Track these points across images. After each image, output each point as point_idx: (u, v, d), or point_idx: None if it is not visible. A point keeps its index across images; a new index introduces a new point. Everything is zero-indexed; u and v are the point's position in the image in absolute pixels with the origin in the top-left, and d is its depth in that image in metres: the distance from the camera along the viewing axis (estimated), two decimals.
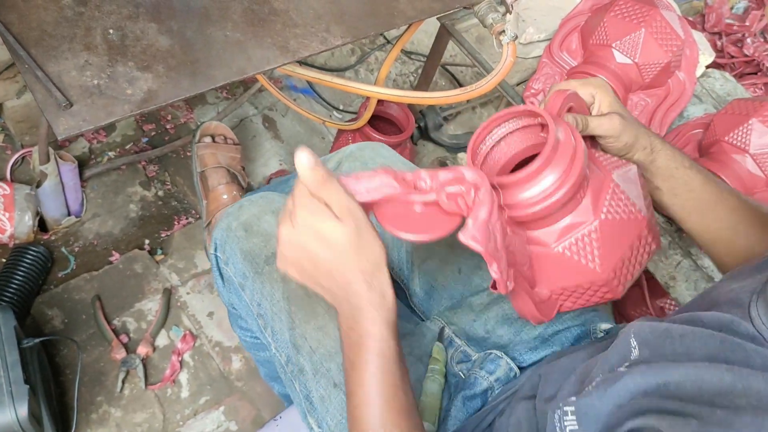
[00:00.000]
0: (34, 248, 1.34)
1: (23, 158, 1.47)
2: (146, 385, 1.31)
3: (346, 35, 0.99)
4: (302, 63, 1.58)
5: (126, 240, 1.49)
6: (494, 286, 0.67)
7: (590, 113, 0.81)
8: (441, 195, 0.61)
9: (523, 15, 1.47)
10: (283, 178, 1.55)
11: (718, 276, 1.17)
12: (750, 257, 0.77)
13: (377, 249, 0.61)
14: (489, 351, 0.86)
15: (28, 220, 1.37)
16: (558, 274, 0.72)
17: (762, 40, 1.96)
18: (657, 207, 0.84)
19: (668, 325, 0.60)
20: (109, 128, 1.64)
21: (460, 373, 0.87)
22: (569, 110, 0.76)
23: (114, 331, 1.35)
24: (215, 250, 0.97)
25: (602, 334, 0.88)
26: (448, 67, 2.03)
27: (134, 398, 1.30)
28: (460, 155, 1.56)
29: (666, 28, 1.22)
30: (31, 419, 0.99)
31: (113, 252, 1.46)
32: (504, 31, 1.12)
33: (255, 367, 1.38)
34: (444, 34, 1.44)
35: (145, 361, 1.33)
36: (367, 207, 0.63)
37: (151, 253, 1.48)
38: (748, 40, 1.95)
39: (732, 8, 2.01)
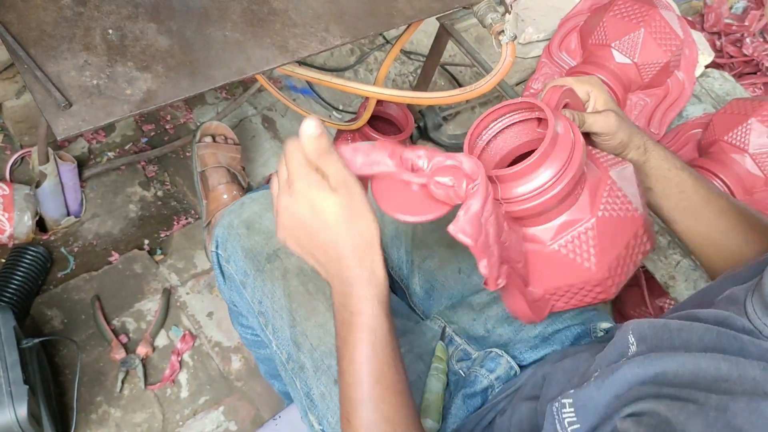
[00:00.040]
0: (33, 248, 1.34)
1: (22, 158, 1.47)
2: (146, 385, 1.31)
3: (346, 35, 0.99)
4: (301, 63, 1.58)
5: (125, 240, 1.49)
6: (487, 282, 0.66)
7: (585, 110, 0.80)
8: (431, 181, 0.60)
9: (522, 15, 1.47)
10: None
11: None
12: (738, 259, 0.78)
13: (371, 225, 0.60)
14: (489, 349, 0.86)
15: (27, 221, 1.37)
16: (552, 273, 0.71)
17: (761, 39, 1.96)
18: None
19: (666, 321, 0.60)
20: (109, 128, 1.64)
21: (461, 371, 0.87)
22: (565, 106, 0.75)
23: (113, 331, 1.35)
24: (216, 247, 0.97)
25: (602, 333, 0.88)
26: (448, 67, 2.03)
27: (134, 398, 1.30)
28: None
29: (665, 27, 1.23)
30: (31, 419, 0.99)
31: (113, 252, 1.46)
32: (503, 31, 1.12)
33: (254, 367, 1.38)
34: (443, 34, 1.44)
35: (144, 361, 1.33)
36: (365, 179, 0.62)
37: (151, 253, 1.48)
38: (747, 40, 1.95)
39: (731, 8, 2.01)
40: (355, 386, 0.61)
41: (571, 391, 0.61)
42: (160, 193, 1.58)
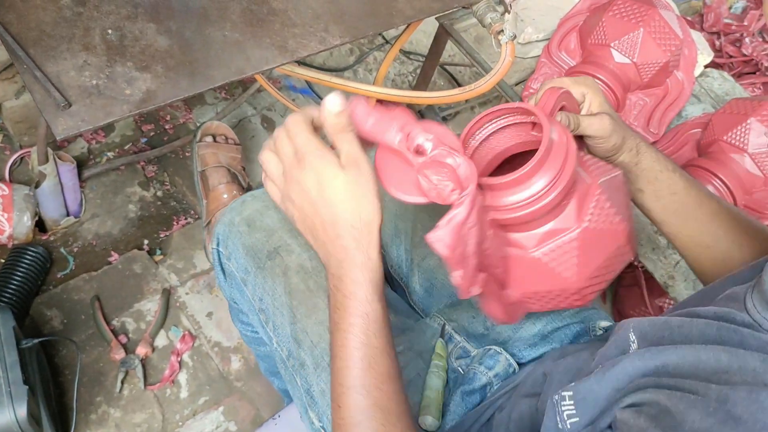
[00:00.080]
0: (32, 249, 1.34)
1: (22, 159, 1.47)
2: (145, 385, 1.31)
3: (345, 35, 0.99)
4: (301, 63, 1.58)
5: (125, 240, 1.49)
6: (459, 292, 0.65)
7: (579, 112, 0.80)
8: (421, 171, 0.59)
9: (521, 15, 1.47)
10: None
11: None
12: (729, 262, 0.78)
13: (373, 209, 0.59)
14: (488, 347, 0.87)
15: (26, 221, 1.37)
16: (532, 278, 0.70)
17: (760, 39, 1.96)
18: (638, 209, 0.84)
19: (667, 318, 0.61)
20: (108, 128, 1.64)
21: (459, 368, 0.87)
22: (561, 108, 0.74)
23: (113, 331, 1.35)
24: (217, 245, 0.97)
25: (601, 332, 0.88)
26: (447, 66, 2.03)
27: (133, 399, 1.30)
28: None
29: (664, 27, 1.23)
30: (30, 420, 0.99)
31: (112, 252, 1.46)
32: (502, 30, 1.12)
33: (254, 367, 1.38)
34: (442, 34, 1.44)
35: (144, 362, 1.33)
36: (369, 144, 0.61)
37: (150, 253, 1.48)
38: (747, 40, 1.95)
39: (730, 8, 2.01)
40: (346, 371, 0.61)
41: (572, 384, 0.61)
42: (159, 194, 1.58)
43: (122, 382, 1.30)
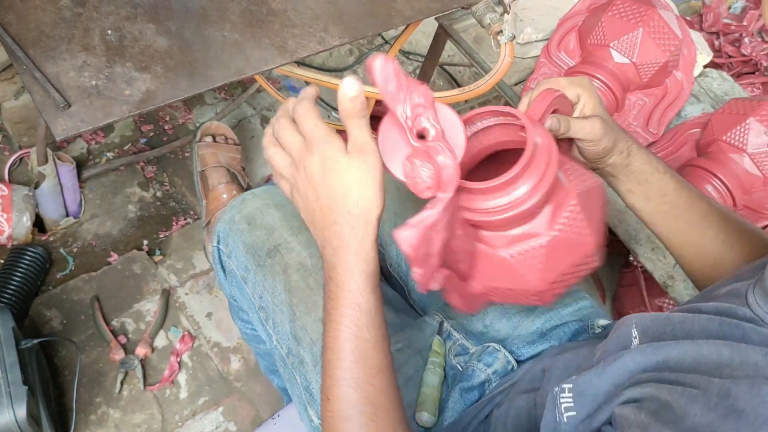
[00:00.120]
0: (32, 249, 1.34)
1: (21, 159, 1.47)
2: (145, 385, 1.31)
3: (344, 35, 0.99)
4: (300, 63, 1.58)
5: (124, 241, 1.49)
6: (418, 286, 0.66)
7: (573, 113, 0.80)
8: (410, 156, 0.58)
9: (520, 15, 1.47)
10: None
11: None
12: (720, 264, 0.78)
13: (373, 198, 0.59)
14: (487, 344, 0.87)
15: (26, 221, 1.37)
16: (496, 275, 0.71)
17: (760, 39, 1.96)
18: (628, 208, 0.84)
19: (668, 314, 0.61)
20: (108, 129, 1.64)
21: (458, 365, 0.87)
22: (554, 112, 0.74)
23: (112, 331, 1.35)
24: (218, 243, 0.97)
25: (600, 330, 0.89)
26: (446, 67, 2.04)
27: (133, 399, 1.30)
28: None
29: (663, 27, 1.23)
30: (30, 420, 0.99)
31: (112, 253, 1.46)
32: (502, 31, 1.13)
33: (253, 367, 1.38)
34: (442, 35, 1.44)
35: (143, 362, 1.33)
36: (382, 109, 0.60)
37: (150, 253, 1.48)
38: (746, 40, 1.95)
39: (729, 8, 2.01)
40: (337, 363, 0.60)
41: (573, 377, 0.61)
42: (159, 194, 1.58)
43: (122, 383, 1.30)
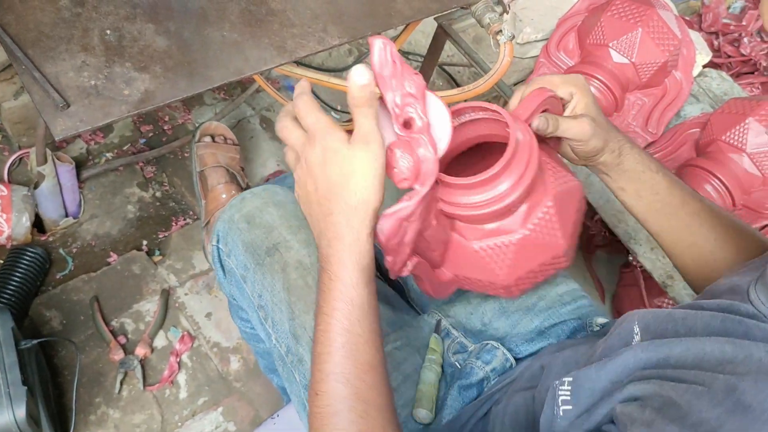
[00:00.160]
0: (31, 249, 1.34)
1: (20, 159, 1.47)
2: (144, 386, 1.31)
3: (344, 35, 0.99)
4: (299, 63, 1.58)
5: (124, 241, 1.49)
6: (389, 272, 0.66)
7: (564, 112, 0.80)
8: (392, 144, 0.58)
9: (520, 15, 1.47)
10: (280, 177, 1.56)
11: None
12: (712, 262, 0.79)
13: (371, 189, 0.58)
14: (485, 342, 0.87)
15: (25, 222, 1.37)
16: (466, 265, 0.71)
17: (759, 39, 1.96)
18: (621, 206, 0.84)
19: (671, 311, 0.61)
20: (107, 129, 1.63)
21: (456, 363, 0.87)
22: (544, 111, 0.74)
23: (112, 332, 1.35)
24: (217, 242, 0.98)
25: (598, 328, 0.89)
26: (446, 67, 2.04)
27: (132, 399, 1.30)
28: None
29: (663, 27, 1.23)
30: (29, 421, 0.99)
31: (111, 253, 1.46)
32: (501, 31, 1.13)
33: (253, 367, 1.38)
34: (441, 34, 1.44)
35: (143, 362, 1.33)
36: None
37: (149, 254, 1.48)
38: (745, 40, 1.95)
39: (729, 8, 2.01)
40: (327, 357, 0.59)
41: (573, 371, 0.61)
42: (158, 194, 1.58)
43: (121, 383, 1.30)
